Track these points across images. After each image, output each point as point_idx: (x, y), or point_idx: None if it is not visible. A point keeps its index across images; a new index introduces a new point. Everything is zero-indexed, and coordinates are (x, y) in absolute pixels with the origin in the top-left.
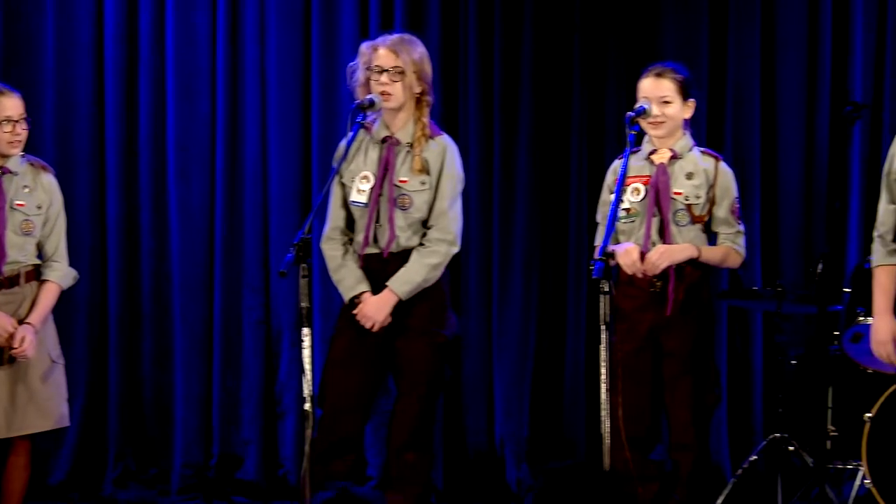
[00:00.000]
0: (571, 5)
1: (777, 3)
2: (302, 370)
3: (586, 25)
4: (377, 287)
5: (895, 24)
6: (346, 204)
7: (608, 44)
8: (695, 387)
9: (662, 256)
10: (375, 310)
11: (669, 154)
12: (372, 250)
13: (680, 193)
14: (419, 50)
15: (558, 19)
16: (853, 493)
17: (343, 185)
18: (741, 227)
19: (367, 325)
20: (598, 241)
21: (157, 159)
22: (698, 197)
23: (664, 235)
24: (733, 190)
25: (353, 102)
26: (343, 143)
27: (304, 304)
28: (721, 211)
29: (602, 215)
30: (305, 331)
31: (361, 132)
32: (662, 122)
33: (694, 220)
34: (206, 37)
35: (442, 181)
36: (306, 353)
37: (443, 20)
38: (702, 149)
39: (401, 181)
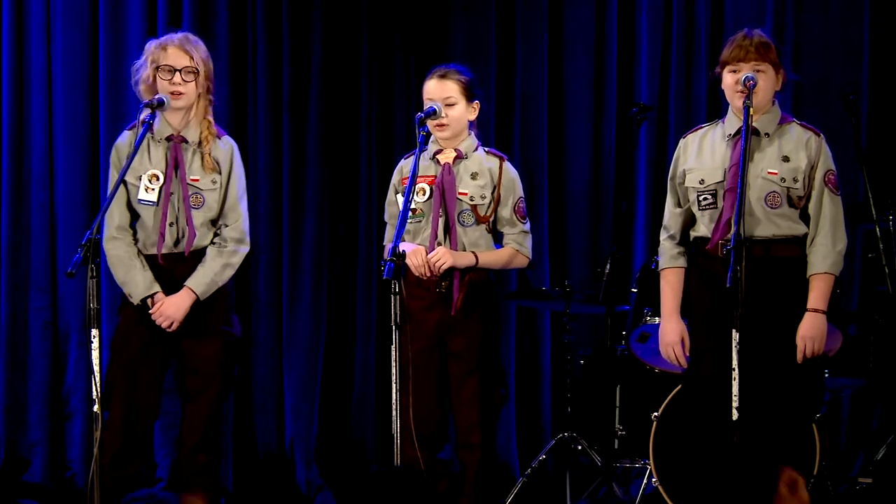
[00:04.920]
0: (360, 6)
1: (564, 5)
2: (91, 371)
3: (375, 26)
4: (165, 286)
5: (680, 26)
6: (127, 203)
7: (397, 44)
8: (481, 386)
9: (443, 258)
10: (175, 309)
11: (454, 154)
12: (168, 250)
13: (465, 194)
14: (204, 48)
15: (347, 20)
16: (640, 492)
17: (125, 184)
18: (526, 228)
19: (165, 325)
20: (386, 240)
21: None
22: (483, 197)
23: (450, 236)
24: (518, 190)
25: (140, 102)
26: (122, 142)
27: (92, 305)
28: (506, 211)
29: (389, 215)
30: (94, 332)
31: (138, 130)
32: (447, 125)
33: (479, 220)
34: None
35: (232, 181)
36: (95, 355)
37: (231, 20)
38: (486, 149)
39: (192, 180)
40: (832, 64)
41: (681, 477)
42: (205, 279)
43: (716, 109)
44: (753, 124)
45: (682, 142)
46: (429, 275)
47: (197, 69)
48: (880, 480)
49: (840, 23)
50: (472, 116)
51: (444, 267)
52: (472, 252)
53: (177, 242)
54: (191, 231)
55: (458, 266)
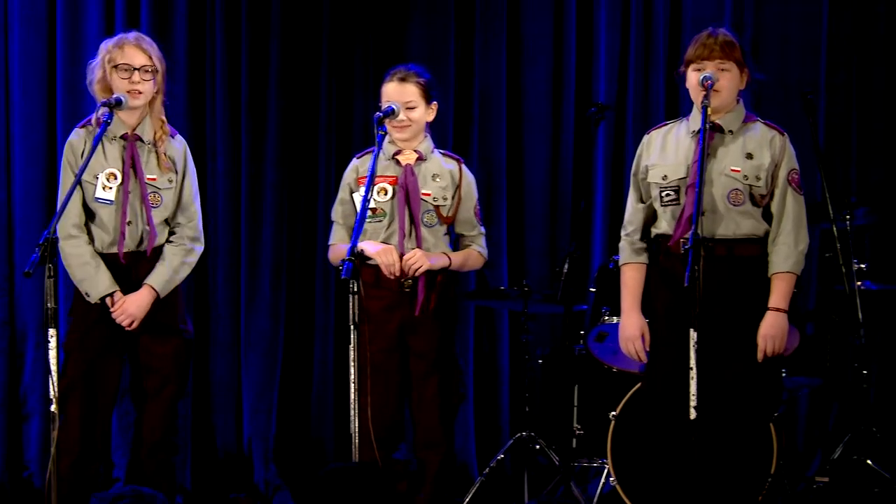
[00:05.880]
0: (319, 6)
1: (523, 4)
2: (48, 371)
3: (334, 27)
4: (124, 285)
5: (638, 25)
6: (83, 201)
7: (356, 46)
8: (441, 386)
9: (420, 260)
10: (137, 307)
11: (416, 155)
12: (129, 248)
13: (428, 194)
14: (157, 48)
15: (306, 20)
16: (598, 491)
17: (80, 182)
18: (483, 229)
19: (126, 323)
20: (334, 239)
21: None
22: (445, 199)
23: (415, 236)
24: (476, 192)
25: (97, 101)
26: (76, 139)
27: (50, 305)
28: (465, 213)
29: (341, 214)
30: (52, 332)
31: (92, 128)
32: (408, 126)
33: (442, 220)
34: None
35: (187, 180)
36: (52, 354)
37: (190, 21)
38: (442, 151)
39: (150, 179)
40: (790, 62)
41: (639, 476)
42: (165, 277)
43: (674, 108)
44: (718, 122)
45: (645, 137)
46: (398, 274)
47: (156, 68)
48: (837, 479)
49: (799, 21)
50: (431, 118)
51: (421, 270)
52: (445, 254)
53: (136, 241)
54: (152, 230)
55: (434, 268)
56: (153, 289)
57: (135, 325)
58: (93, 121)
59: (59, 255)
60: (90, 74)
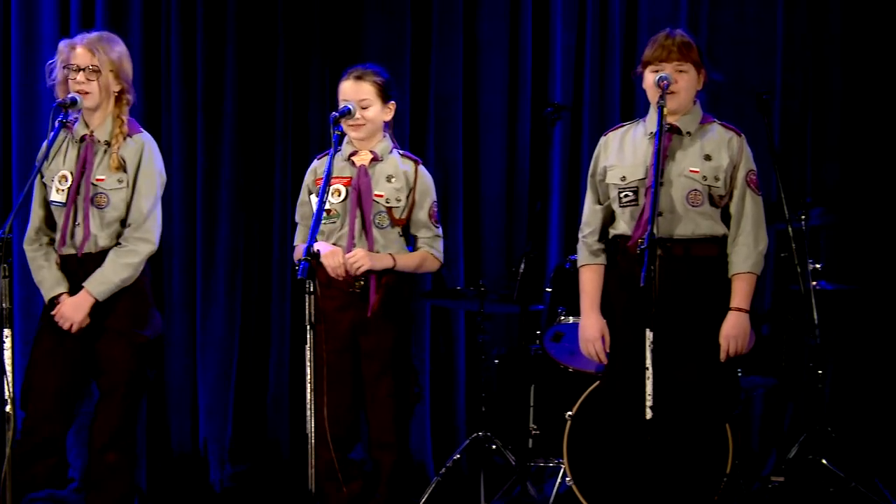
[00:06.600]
0: (274, 8)
1: (479, 5)
2: (2, 371)
3: (290, 26)
4: (76, 287)
5: (594, 25)
6: (46, 204)
7: (312, 46)
8: (395, 386)
9: (361, 260)
10: (73, 310)
11: (370, 156)
12: (69, 251)
13: (381, 196)
14: (118, 49)
15: (262, 21)
16: (554, 491)
17: (44, 185)
18: (439, 232)
19: (66, 327)
20: (297, 240)
21: None
22: (398, 200)
23: (366, 237)
24: (432, 194)
25: (53, 101)
26: (46, 143)
27: (5, 305)
28: (420, 214)
29: (301, 215)
30: (6, 332)
31: (63, 131)
32: (362, 125)
33: (394, 222)
34: None
35: (140, 179)
36: (7, 355)
37: (145, 20)
38: (401, 151)
39: (98, 179)
40: (746, 63)
41: (595, 476)
42: (101, 280)
43: (630, 108)
44: (675, 123)
45: (603, 139)
46: (344, 276)
47: (100, 68)
48: (792, 479)
49: (754, 23)
50: (388, 117)
51: (362, 269)
52: (390, 255)
53: (82, 244)
54: (85, 231)
55: (376, 268)
56: (89, 293)
57: (74, 328)
58: (59, 122)
59: (14, 255)
60: (50, 75)
